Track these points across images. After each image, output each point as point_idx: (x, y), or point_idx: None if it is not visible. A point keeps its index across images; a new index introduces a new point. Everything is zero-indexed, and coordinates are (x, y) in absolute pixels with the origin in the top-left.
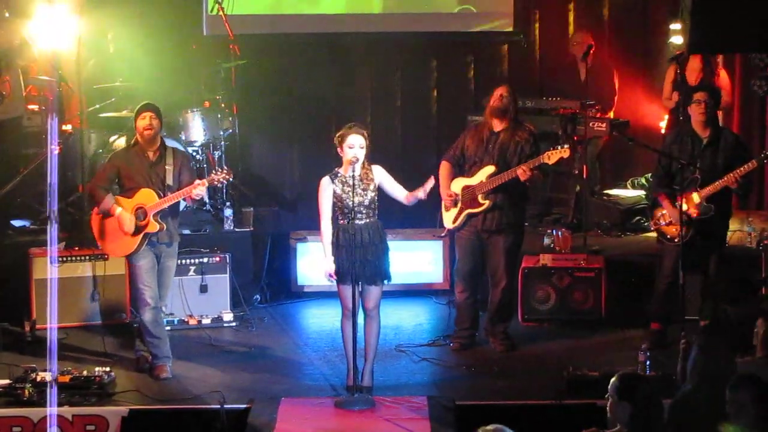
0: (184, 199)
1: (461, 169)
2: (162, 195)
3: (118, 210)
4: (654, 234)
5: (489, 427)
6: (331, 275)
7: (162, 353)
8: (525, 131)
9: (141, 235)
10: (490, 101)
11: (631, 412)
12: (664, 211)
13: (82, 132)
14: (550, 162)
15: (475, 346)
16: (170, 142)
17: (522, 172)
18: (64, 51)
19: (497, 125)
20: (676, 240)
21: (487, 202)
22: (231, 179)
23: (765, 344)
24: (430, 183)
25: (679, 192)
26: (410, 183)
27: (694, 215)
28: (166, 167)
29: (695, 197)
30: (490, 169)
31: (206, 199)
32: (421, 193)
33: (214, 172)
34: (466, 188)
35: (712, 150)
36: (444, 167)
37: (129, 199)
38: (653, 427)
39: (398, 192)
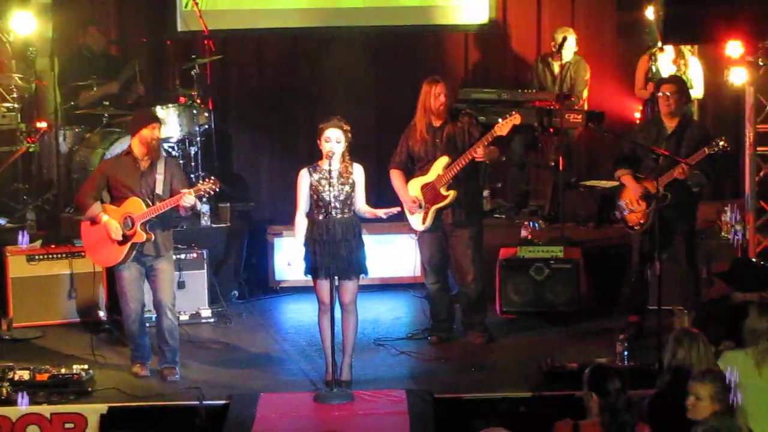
0: (177, 209)
1: (410, 172)
2: (151, 204)
3: (105, 218)
4: None
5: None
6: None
7: (143, 356)
8: (465, 116)
9: (128, 245)
10: (423, 98)
11: (600, 404)
12: (627, 199)
13: (57, 129)
14: (504, 132)
15: (452, 338)
16: None
17: (476, 152)
18: (37, 48)
19: (437, 121)
20: (636, 228)
21: (452, 193)
22: (218, 189)
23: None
24: (394, 211)
25: (643, 179)
26: (384, 178)
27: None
28: (157, 176)
29: (652, 185)
30: (444, 160)
31: (200, 209)
32: (382, 213)
33: (200, 181)
34: (425, 186)
35: (676, 140)
36: (396, 174)
37: (117, 208)
38: (620, 418)
39: (359, 200)
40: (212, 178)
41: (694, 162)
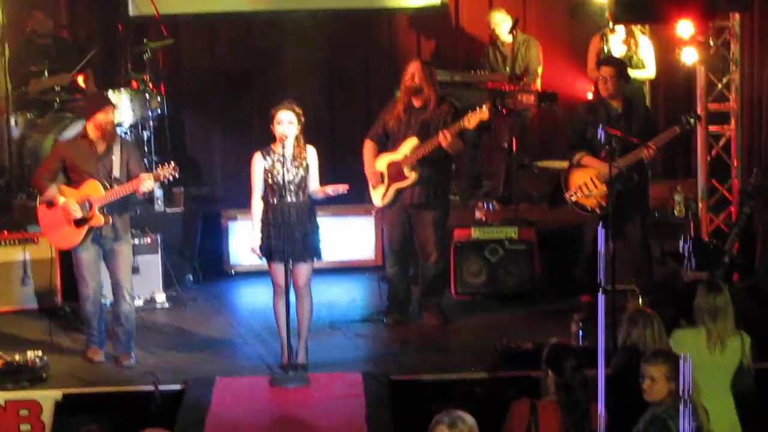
0: (135, 193)
1: (384, 147)
2: (109, 187)
3: (62, 199)
4: None
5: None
6: (253, 249)
7: (98, 340)
8: (446, 104)
9: (86, 227)
10: (403, 78)
11: (557, 382)
12: (582, 183)
13: (8, 115)
14: (471, 125)
15: (408, 320)
16: None
17: (443, 138)
18: None
19: (416, 101)
20: (597, 211)
21: (413, 174)
22: (177, 174)
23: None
24: (342, 189)
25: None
26: (341, 161)
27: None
28: (113, 158)
29: (613, 167)
30: (413, 141)
31: (157, 193)
32: (330, 190)
33: (160, 166)
34: (391, 164)
35: (625, 120)
36: (368, 146)
37: (75, 191)
38: (576, 396)
39: (312, 181)
40: (172, 163)
41: (663, 142)
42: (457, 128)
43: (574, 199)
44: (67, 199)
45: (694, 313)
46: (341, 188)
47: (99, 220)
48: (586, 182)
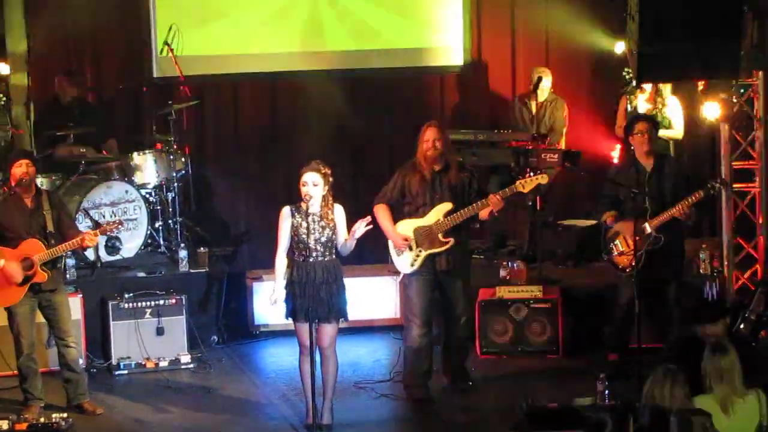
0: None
1: (399, 210)
2: (45, 242)
3: (2, 262)
4: None
5: None
6: (276, 301)
7: (33, 396)
8: (465, 167)
9: (28, 285)
10: (420, 144)
11: None
12: (616, 242)
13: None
14: (525, 190)
15: (429, 396)
16: (120, 185)
17: (497, 201)
18: (13, 96)
19: (437, 166)
20: (627, 270)
21: (450, 240)
22: (121, 228)
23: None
24: (365, 222)
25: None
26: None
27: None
28: (44, 213)
29: (646, 227)
30: (446, 206)
31: (182, 254)
32: (356, 233)
33: (105, 222)
34: (419, 229)
35: (657, 178)
36: (383, 210)
37: (14, 251)
38: None
39: (341, 237)
40: (116, 219)
41: (690, 205)
42: (511, 191)
43: (607, 258)
44: (8, 262)
45: (704, 377)
46: (364, 223)
47: (42, 276)
48: (620, 241)
